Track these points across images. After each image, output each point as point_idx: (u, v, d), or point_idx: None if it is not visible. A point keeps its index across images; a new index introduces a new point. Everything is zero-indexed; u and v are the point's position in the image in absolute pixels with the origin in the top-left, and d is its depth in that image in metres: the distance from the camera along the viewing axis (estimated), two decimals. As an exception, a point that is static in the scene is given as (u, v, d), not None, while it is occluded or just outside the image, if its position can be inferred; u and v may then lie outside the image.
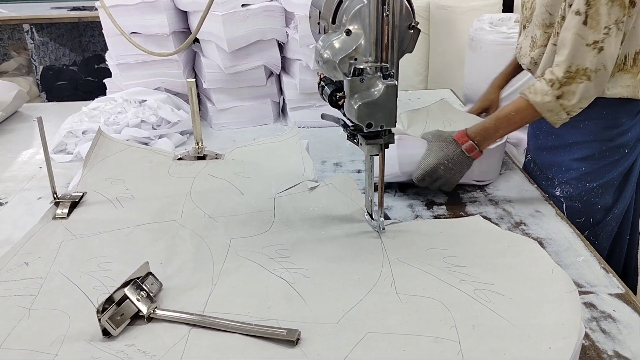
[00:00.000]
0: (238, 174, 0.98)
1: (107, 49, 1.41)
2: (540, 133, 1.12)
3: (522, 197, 1.03)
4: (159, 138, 1.28)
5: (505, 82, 1.30)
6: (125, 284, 0.64)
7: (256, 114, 1.42)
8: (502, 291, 0.64)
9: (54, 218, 0.86)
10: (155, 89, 1.40)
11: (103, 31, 1.36)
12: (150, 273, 0.67)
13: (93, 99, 1.38)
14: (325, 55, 0.67)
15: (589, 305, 0.72)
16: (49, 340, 0.59)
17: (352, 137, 0.78)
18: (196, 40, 1.44)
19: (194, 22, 1.37)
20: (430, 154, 0.98)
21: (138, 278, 0.65)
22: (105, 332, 0.60)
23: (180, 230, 0.81)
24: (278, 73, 1.42)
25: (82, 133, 1.24)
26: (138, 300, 0.63)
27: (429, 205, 1.00)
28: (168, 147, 1.22)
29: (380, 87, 0.68)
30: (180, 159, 1.07)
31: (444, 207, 1.00)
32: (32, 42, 3.13)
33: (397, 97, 0.69)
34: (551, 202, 1.01)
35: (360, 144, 0.76)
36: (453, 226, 0.81)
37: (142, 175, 0.99)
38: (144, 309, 0.63)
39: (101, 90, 1.42)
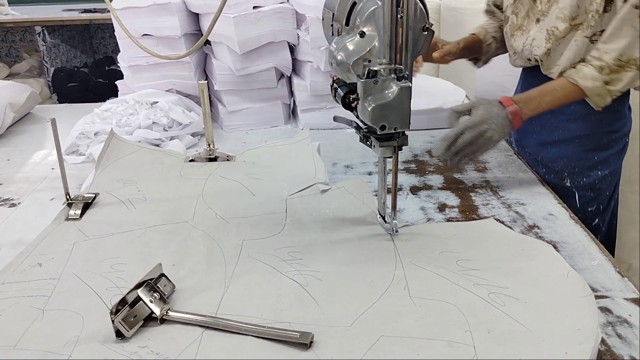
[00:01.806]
0: (250, 176, 0.98)
1: (118, 51, 1.41)
2: (544, 129, 1.18)
3: (535, 200, 1.02)
4: (170, 140, 1.28)
5: (458, 55, 1.25)
6: (138, 286, 0.64)
7: (267, 116, 1.42)
8: (517, 295, 0.63)
9: (67, 219, 0.87)
10: (166, 91, 1.41)
11: (115, 33, 1.37)
12: (163, 274, 0.67)
13: (104, 101, 1.39)
14: (339, 57, 0.67)
15: (605, 310, 0.72)
16: (62, 341, 0.59)
17: (365, 139, 0.78)
18: (207, 42, 1.44)
19: (205, 24, 1.37)
20: (476, 112, 0.99)
21: (151, 279, 0.65)
22: (119, 334, 0.60)
23: (193, 232, 0.81)
24: (289, 75, 1.42)
25: (95, 134, 1.24)
26: (151, 301, 0.63)
27: (442, 208, 1.00)
28: (179, 148, 1.22)
29: (394, 89, 0.67)
30: (192, 160, 1.07)
31: (456, 209, 0.99)
32: (43, 44, 3.16)
33: (411, 98, 0.68)
34: (565, 205, 1.01)
35: (374, 146, 0.76)
36: (466, 229, 0.80)
37: (154, 177, 0.99)
38: (157, 311, 0.63)
39: (112, 92, 1.42)
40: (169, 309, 0.64)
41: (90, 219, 0.86)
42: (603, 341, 0.65)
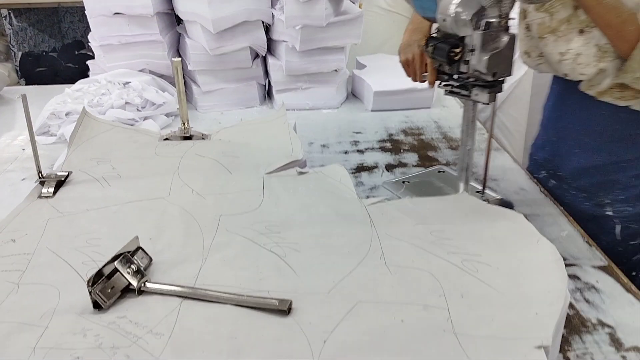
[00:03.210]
0: (226, 154, 0.98)
1: (87, 36, 1.39)
2: (582, 151, 0.99)
3: (506, 176, 1.05)
4: (144, 120, 1.27)
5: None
6: (114, 258, 0.63)
7: (242, 97, 1.41)
8: (489, 262, 0.65)
9: (40, 197, 0.85)
10: (139, 71, 1.39)
11: (86, 12, 1.34)
12: (140, 248, 0.67)
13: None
14: (458, 10, 0.73)
15: (573, 277, 0.74)
16: (39, 313, 0.59)
17: (455, 91, 0.83)
18: (180, 21, 1.43)
19: (178, 3, 1.36)
20: None
21: (128, 252, 0.65)
22: (96, 305, 0.60)
23: (169, 207, 0.81)
24: (264, 55, 1.42)
25: (66, 115, 1.22)
26: (128, 273, 0.63)
27: (416, 184, 1.01)
28: (153, 128, 1.21)
29: (504, 38, 0.74)
30: (166, 139, 1.06)
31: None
32: (10, 27, 3.07)
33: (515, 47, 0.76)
34: (535, 180, 1.03)
35: (476, 94, 0.80)
36: (440, 202, 0.82)
37: (128, 155, 0.98)
38: (134, 283, 0.63)
39: (82, 77, 1.40)
40: (146, 281, 0.64)
41: (64, 196, 0.85)
42: (572, 305, 0.68)
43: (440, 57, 0.78)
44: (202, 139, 1.07)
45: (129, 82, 1.32)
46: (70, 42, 3.67)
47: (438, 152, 1.16)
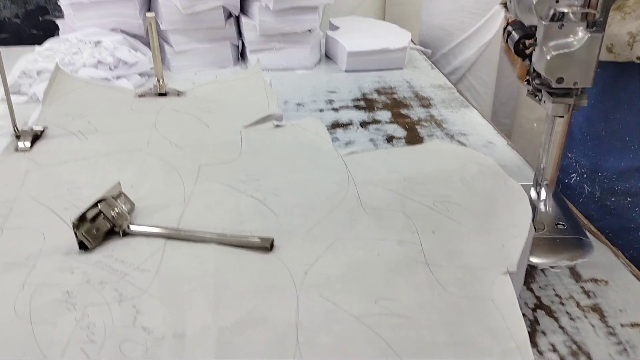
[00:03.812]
0: (202, 109, 0.99)
1: (51, 2, 1.36)
2: (627, 150, 0.86)
3: (476, 131, 1.09)
4: (117, 79, 1.26)
5: None
6: (98, 202, 0.65)
7: (215, 57, 1.41)
8: (460, 202, 0.69)
9: (16, 150, 0.85)
10: (110, 30, 1.37)
11: (53, -32, 1.31)
12: (122, 193, 0.68)
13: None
14: None
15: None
16: (25, 254, 0.60)
17: (534, 93, 0.67)
18: (152, -20, 1.41)
19: (149, -40, 1.34)
20: None
21: (110, 197, 0.66)
22: (82, 246, 0.61)
23: (148, 159, 0.82)
24: (237, 14, 1.41)
25: (37, 73, 1.21)
26: (112, 217, 0.64)
27: (389, 139, 1.04)
28: (128, 87, 1.20)
29: (581, 36, 0.57)
30: (141, 96, 1.06)
31: (403, 140, 1.04)
32: (-31, -9, 2.95)
33: (599, 51, 0.58)
34: (503, 135, 1.07)
35: (543, 102, 0.65)
36: (412, 151, 0.85)
37: (104, 111, 0.98)
38: (118, 224, 0.64)
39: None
40: (130, 224, 0.65)
41: (41, 149, 0.86)
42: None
43: (511, 47, 0.66)
44: (178, 95, 1.07)
45: (100, 42, 1.31)
46: (33, 8, 3.56)
47: (410, 110, 1.19)
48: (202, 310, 0.52)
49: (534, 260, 0.64)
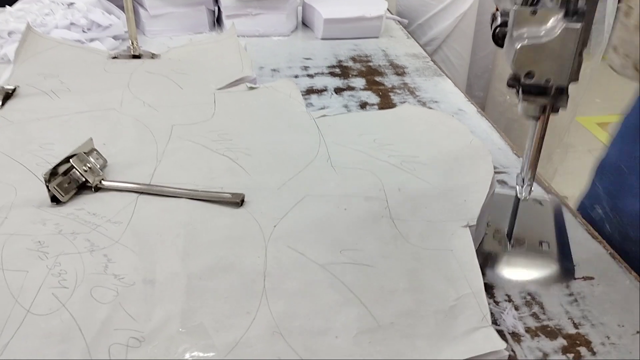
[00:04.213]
0: (176, 71, 0.99)
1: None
2: None
3: (447, 99, 1.11)
4: (90, 42, 1.24)
5: None
6: (70, 157, 0.65)
7: (191, 21, 1.40)
8: (426, 161, 0.71)
9: (-13, 108, 0.85)
10: (83, -8, 1.35)
11: None
12: (94, 149, 0.69)
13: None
14: None
15: (501, 182, 0.81)
16: (-4, 206, 0.61)
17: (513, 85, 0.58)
18: (126, -59, 1.38)
19: None
20: None
21: (82, 152, 0.67)
22: (54, 199, 0.62)
23: (121, 118, 0.82)
24: (213, -21, 1.40)
25: (9, 34, 1.18)
26: (85, 171, 0.65)
27: (363, 105, 1.06)
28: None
29: (557, 26, 0.48)
30: (115, 57, 1.06)
31: (376, 106, 1.05)
32: None
33: (581, 46, 0.49)
34: (473, 102, 1.10)
35: (519, 99, 0.56)
36: (383, 115, 0.87)
37: (76, 71, 0.98)
38: (90, 179, 0.65)
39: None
40: (102, 179, 0.66)
41: (12, 107, 0.85)
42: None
43: (492, 34, 0.57)
44: (152, 58, 1.07)
45: (73, 3, 1.29)
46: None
47: (384, 77, 1.20)
48: (171, 259, 0.54)
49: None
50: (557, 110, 0.54)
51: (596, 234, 0.69)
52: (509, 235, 0.62)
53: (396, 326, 0.48)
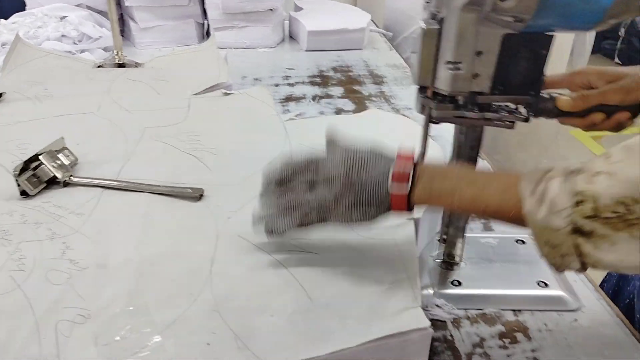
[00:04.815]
0: (156, 78, 1.03)
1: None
2: None
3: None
4: (81, 53, 1.29)
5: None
6: (40, 154, 0.69)
7: (180, 34, 1.45)
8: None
9: (-28, 112, 0.89)
10: (76, 6, 1.40)
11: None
12: (65, 147, 0.73)
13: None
14: None
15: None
16: (-33, 199, 0.64)
17: None
18: (117, -43, 1.44)
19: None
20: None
21: (53, 150, 0.71)
22: (23, 193, 0.66)
23: (98, 120, 0.86)
24: (201, -7, 1.45)
25: (2, 45, 1.24)
26: (54, 167, 0.69)
27: (338, 112, 1.09)
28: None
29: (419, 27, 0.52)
30: (99, 66, 1.10)
31: (351, 113, 1.09)
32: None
33: (436, 50, 0.52)
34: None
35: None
36: (352, 118, 0.90)
37: (61, 80, 1.02)
38: (59, 175, 0.68)
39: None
40: (71, 175, 0.70)
41: (-4, 112, 0.89)
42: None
43: None
44: (136, 67, 1.11)
45: (66, 17, 1.34)
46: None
47: (362, 86, 1.24)
48: (126, 246, 0.57)
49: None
50: (436, 122, 0.57)
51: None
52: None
53: (331, 307, 0.50)
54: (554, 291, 0.63)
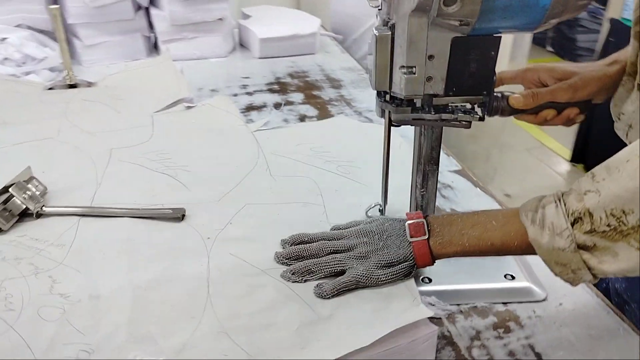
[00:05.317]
0: (113, 97, 1.00)
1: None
2: None
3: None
4: (26, 75, 1.24)
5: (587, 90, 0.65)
6: (9, 186, 0.66)
7: (127, 49, 1.41)
8: (359, 165, 0.75)
9: None
10: (16, 27, 1.34)
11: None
12: (33, 177, 0.70)
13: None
14: None
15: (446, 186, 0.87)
16: None
17: None
18: (56, -27, 1.39)
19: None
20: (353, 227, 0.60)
21: (21, 181, 0.68)
22: (-5, 228, 0.63)
23: (59, 145, 0.83)
24: (146, 6, 1.42)
25: (-63, 73, 1.17)
26: (24, 199, 0.66)
27: (302, 118, 1.10)
28: (37, 81, 1.19)
29: (374, 34, 0.54)
30: (50, 88, 1.06)
31: (315, 118, 1.09)
32: None
33: (389, 55, 0.54)
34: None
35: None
36: (319, 125, 0.91)
37: (11, 104, 0.98)
38: (31, 206, 0.66)
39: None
40: (43, 205, 0.67)
41: (-54, 144, 0.85)
42: (431, 198, 0.80)
43: None
44: (89, 86, 1.08)
45: (6, 38, 1.28)
46: None
47: (322, 91, 1.25)
48: (116, 274, 0.56)
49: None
50: (397, 125, 0.60)
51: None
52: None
53: (335, 316, 0.50)
54: (521, 283, 0.66)
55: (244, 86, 1.27)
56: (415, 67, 0.54)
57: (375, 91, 0.59)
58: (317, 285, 0.54)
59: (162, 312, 0.51)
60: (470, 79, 0.56)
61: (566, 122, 0.67)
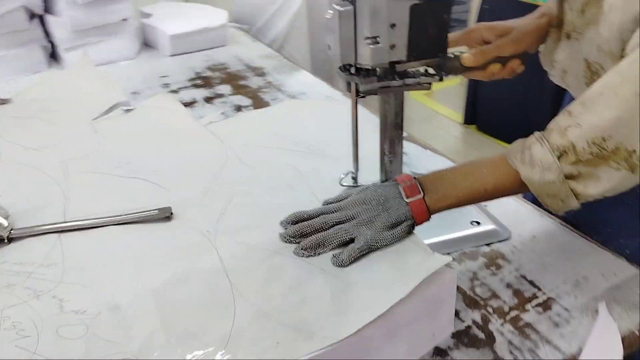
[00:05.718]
0: (41, 110, 0.93)
1: None
2: None
3: (312, 89, 1.18)
4: None
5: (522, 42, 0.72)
6: (-31, 215, 0.60)
7: (25, 62, 1.30)
8: (329, 143, 0.77)
9: None
10: None
11: None
12: (-9, 201, 0.64)
13: None
14: None
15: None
16: None
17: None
18: None
19: None
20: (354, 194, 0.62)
21: (-20, 207, 0.62)
22: (-34, 261, 0.57)
23: (8, 167, 0.76)
24: (41, 13, 1.32)
25: None
26: (-10, 225, 0.60)
27: (239, 109, 1.09)
28: None
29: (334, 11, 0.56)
30: (-40, 110, 0.96)
31: (251, 107, 1.10)
32: None
33: (352, 29, 0.57)
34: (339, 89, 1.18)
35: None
36: (271, 111, 0.92)
37: None
38: (0, 232, 0.61)
39: None
40: (12, 229, 0.62)
41: None
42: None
43: None
44: (4, 104, 0.99)
45: None
46: None
47: (248, 81, 1.25)
48: (127, 282, 0.53)
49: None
50: (363, 96, 0.62)
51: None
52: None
53: (361, 281, 0.52)
54: (487, 226, 0.72)
55: (166, 85, 1.24)
56: (379, 36, 0.57)
57: (339, 67, 0.60)
58: (333, 255, 0.55)
59: (192, 310, 0.50)
60: (428, 43, 0.60)
61: (510, 73, 0.74)
